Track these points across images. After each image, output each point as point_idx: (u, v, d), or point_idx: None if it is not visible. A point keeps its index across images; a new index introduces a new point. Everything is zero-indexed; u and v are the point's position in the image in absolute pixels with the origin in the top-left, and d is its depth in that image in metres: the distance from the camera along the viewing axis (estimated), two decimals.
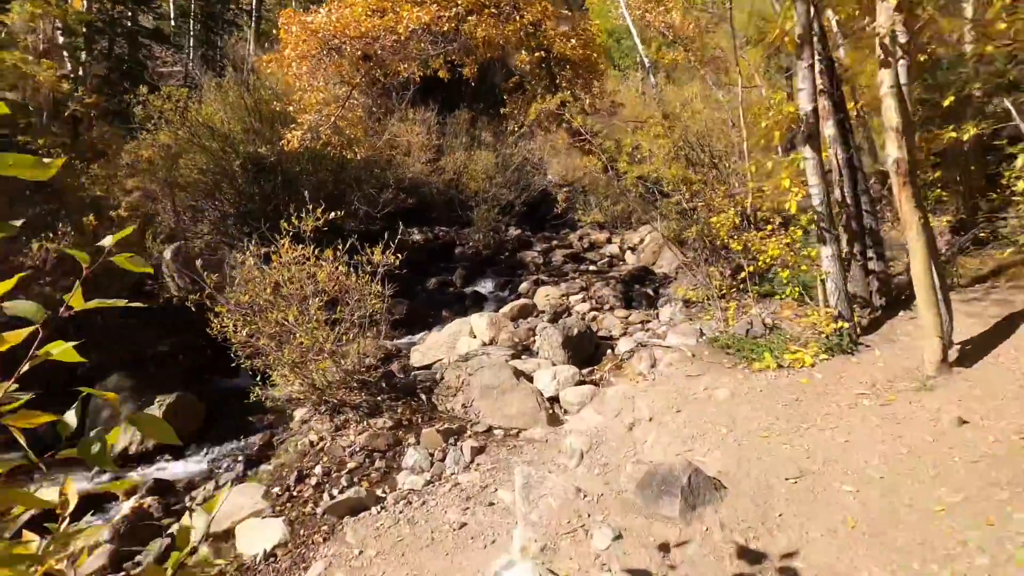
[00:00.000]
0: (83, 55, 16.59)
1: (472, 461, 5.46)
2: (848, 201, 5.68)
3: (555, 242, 15.30)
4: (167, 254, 13.06)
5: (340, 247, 6.74)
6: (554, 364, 7.03)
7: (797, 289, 5.49)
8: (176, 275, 11.67)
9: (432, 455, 5.67)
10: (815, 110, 5.28)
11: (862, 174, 5.99)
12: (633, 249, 14.18)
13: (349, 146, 10.09)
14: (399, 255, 6.77)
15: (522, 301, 9.61)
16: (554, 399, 6.51)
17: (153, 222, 12.18)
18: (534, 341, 8.16)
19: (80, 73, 16.12)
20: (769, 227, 5.66)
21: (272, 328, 6.26)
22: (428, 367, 8.30)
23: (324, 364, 5.97)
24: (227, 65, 13.92)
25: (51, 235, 7.81)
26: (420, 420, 6.38)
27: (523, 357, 7.51)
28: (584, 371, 6.91)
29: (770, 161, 5.71)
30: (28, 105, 14.06)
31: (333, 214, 6.91)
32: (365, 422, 6.22)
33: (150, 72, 14.28)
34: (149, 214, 12.05)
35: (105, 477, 6.96)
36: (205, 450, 7.21)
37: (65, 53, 16.48)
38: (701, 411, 4.63)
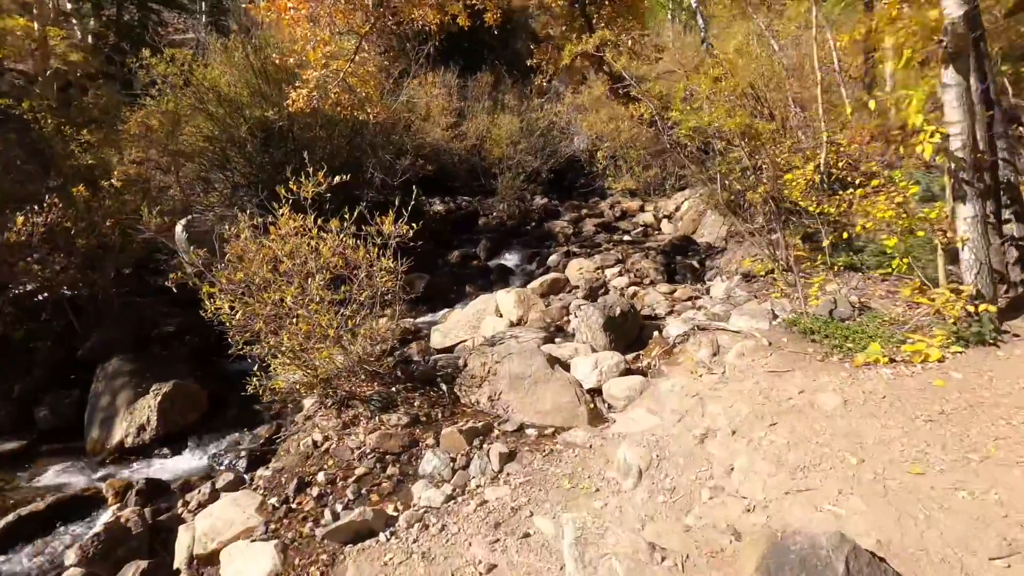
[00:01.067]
0: (91, 22, 15.66)
1: (501, 471, 4.46)
2: (981, 147, 4.35)
3: (584, 211, 14.05)
4: (179, 228, 12.24)
5: (348, 216, 5.68)
6: (594, 350, 5.94)
7: (906, 261, 4.27)
8: (188, 251, 10.82)
9: (454, 460, 4.69)
10: (967, 16, 3.89)
11: (1000, 111, 4.62)
12: (669, 217, 12.89)
13: (361, 106, 8.96)
14: (414, 224, 5.68)
15: (552, 275, 8.50)
16: (595, 391, 5.45)
17: (163, 194, 11.31)
18: (568, 321, 7.08)
19: (89, 40, 15.23)
20: (874, 182, 4.41)
21: (269, 310, 5.29)
22: (449, 350, 7.31)
23: (325, 353, 4.99)
24: (232, 24, 12.80)
25: (36, 207, 6.93)
26: (440, 416, 5.40)
27: (557, 340, 6.44)
28: (628, 357, 5.81)
29: (873, 100, 4.42)
30: (37, 76, 13.23)
31: (339, 177, 5.84)
32: (376, 418, 5.26)
33: (151, 33, 13.25)
34: (158, 186, 11.18)
35: (99, 473, 6.21)
36: (206, 444, 6.40)
37: (74, 21, 15.57)
38: (807, 426, 3.45)
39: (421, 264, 10.48)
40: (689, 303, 6.88)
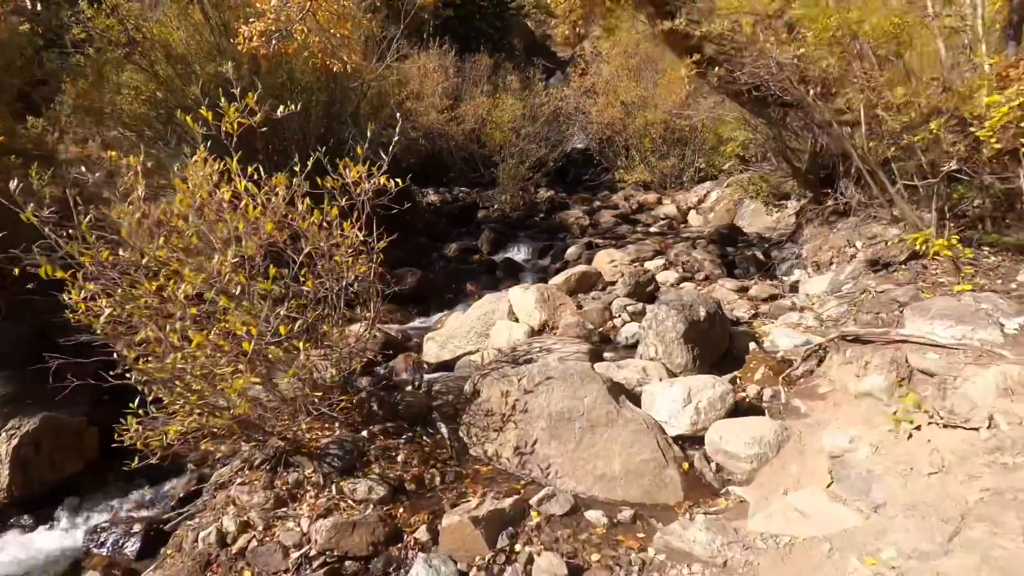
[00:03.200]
0: None
1: None
2: None
3: (597, 203, 11.95)
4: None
5: (299, 169, 3.43)
6: (670, 371, 3.74)
7: None
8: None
9: None
10: None
11: None
12: (695, 209, 10.83)
13: (334, 55, 6.74)
14: (398, 181, 3.46)
15: (581, 268, 6.31)
16: (688, 440, 3.24)
17: (116, 178, 8.98)
18: (615, 327, 4.88)
19: (39, 8, 12.89)
20: None
21: (158, 304, 3.04)
22: (449, 365, 5.11)
23: (239, 383, 2.72)
24: None
25: None
26: (438, 481, 3.16)
27: (607, 356, 4.24)
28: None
29: None
30: None
31: (281, 109, 3.62)
32: (332, 487, 3.01)
33: None
34: (107, 168, 8.85)
35: None
36: (88, 508, 4.13)
37: None
38: None
39: (411, 257, 8.30)
40: (787, 303, 4.72)
